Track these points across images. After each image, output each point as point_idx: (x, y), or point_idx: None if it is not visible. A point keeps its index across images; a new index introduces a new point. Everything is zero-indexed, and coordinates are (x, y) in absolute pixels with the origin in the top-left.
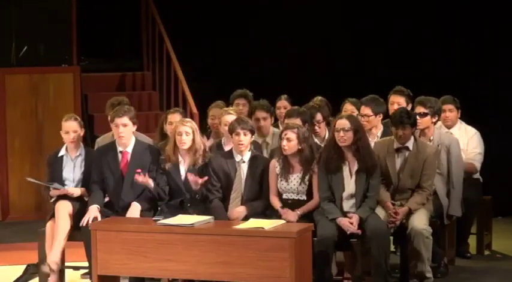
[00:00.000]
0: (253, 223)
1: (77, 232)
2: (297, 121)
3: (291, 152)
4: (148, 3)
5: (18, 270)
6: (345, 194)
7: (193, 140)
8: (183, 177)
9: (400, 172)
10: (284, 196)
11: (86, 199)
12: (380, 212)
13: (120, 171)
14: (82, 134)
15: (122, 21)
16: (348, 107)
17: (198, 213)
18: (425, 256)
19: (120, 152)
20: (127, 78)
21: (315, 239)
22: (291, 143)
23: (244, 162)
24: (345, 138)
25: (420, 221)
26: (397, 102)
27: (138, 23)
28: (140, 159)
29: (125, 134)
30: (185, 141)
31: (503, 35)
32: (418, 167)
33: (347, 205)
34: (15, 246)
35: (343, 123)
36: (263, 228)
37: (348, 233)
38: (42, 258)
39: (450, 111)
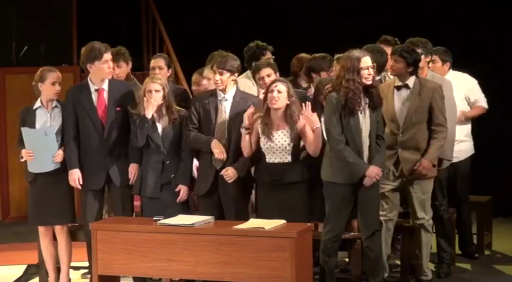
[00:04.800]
0: (254, 223)
1: (79, 232)
2: None
3: (280, 105)
4: (149, 3)
5: (18, 270)
6: (363, 135)
7: (164, 96)
8: (160, 134)
9: (402, 108)
10: (268, 160)
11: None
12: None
13: (95, 111)
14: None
15: (122, 21)
16: None
17: (177, 168)
18: (425, 252)
19: (96, 90)
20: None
21: (321, 238)
22: (281, 95)
23: (226, 100)
24: (372, 75)
25: (421, 215)
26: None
27: (138, 23)
28: (118, 97)
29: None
30: (156, 97)
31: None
32: (424, 103)
33: (365, 146)
34: (15, 246)
35: (370, 61)
36: (263, 228)
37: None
38: (41, 260)
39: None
